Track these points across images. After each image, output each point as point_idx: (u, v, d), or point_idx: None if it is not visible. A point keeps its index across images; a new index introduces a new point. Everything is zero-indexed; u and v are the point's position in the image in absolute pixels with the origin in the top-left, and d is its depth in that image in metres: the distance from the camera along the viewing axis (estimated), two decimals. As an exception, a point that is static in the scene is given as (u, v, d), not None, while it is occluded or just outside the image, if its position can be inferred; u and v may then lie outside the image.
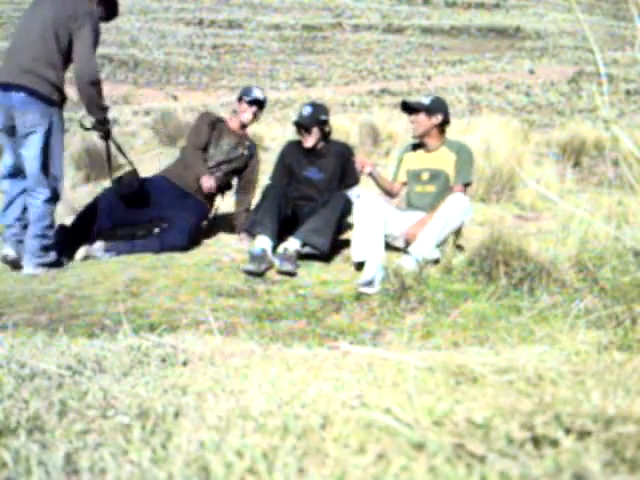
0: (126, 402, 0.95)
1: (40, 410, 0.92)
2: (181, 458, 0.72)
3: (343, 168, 3.80)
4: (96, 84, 3.27)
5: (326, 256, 3.43)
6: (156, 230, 3.75)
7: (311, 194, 3.76)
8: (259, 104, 4.02)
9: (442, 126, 3.52)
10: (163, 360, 1.26)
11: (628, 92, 22.51)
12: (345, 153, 3.87)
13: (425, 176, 3.50)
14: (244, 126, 4.05)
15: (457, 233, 3.34)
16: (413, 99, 3.73)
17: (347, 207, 3.50)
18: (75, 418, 0.89)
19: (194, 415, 0.86)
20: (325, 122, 3.81)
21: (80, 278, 3.18)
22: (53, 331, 2.07)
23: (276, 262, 3.23)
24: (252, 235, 3.41)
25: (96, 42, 3.29)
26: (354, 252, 3.23)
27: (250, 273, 3.14)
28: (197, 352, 1.31)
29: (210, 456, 0.71)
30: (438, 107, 3.49)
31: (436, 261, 3.14)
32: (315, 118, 3.75)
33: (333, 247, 3.48)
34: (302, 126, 3.77)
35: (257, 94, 4.00)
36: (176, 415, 0.87)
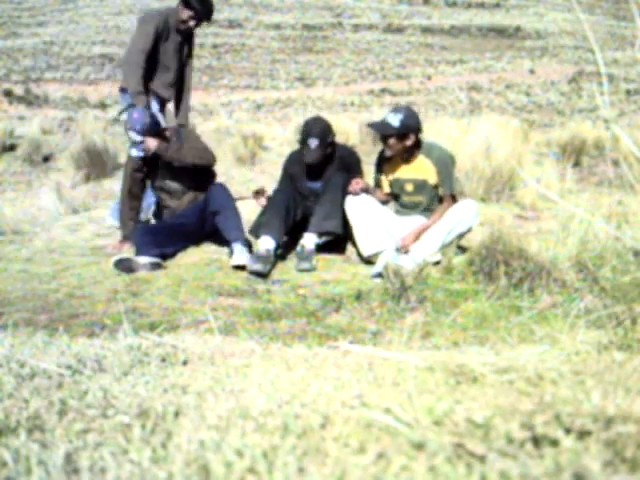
0: (126, 401, 0.95)
1: (40, 409, 0.92)
2: (181, 457, 0.72)
3: (346, 172, 3.66)
4: (125, 71, 4.05)
5: (344, 241, 3.54)
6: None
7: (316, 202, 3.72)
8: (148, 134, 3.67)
9: (416, 141, 3.30)
10: (163, 359, 1.26)
11: (628, 92, 22.53)
12: (347, 160, 3.74)
13: (410, 187, 3.40)
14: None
15: (461, 236, 3.32)
16: (380, 121, 3.32)
17: (346, 185, 3.48)
18: (75, 417, 0.89)
19: (194, 414, 0.86)
20: (331, 144, 3.63)
21: (80, 277, 3.18)
22: (53, 330, 2.07)
23: (295, 262, 3.29)
24: (257, 237, 3.40)
25: (144, 42, 3.98)
26: (363, 247, 3.25)
27: (256, 274, 3.14)
28: (197, 351, 1.31)
29: (210, 455, 0.71)
30: (409, 127, 3.20)
31: (436, 263, 3.14)
32: (322, 152, 3.58)
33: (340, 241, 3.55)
34: (313, 165, 3.62)
35: (136, 131, 3.62)
36: (176, 414, 0.87)
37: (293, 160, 3.87)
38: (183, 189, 3.83)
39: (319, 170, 3.72)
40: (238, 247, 3.35)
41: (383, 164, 3.51)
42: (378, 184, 3.56)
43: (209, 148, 3.86)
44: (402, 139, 3.23)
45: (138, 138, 3.63)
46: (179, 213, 3.77)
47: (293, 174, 3.82)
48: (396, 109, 3.32)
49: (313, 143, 3.55)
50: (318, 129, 3.60)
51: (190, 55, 4.41)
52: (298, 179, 3.80)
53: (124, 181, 3.89)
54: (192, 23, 4.09)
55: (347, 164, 3.72)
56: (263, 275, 3.14)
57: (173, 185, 3.84)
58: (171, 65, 4.19)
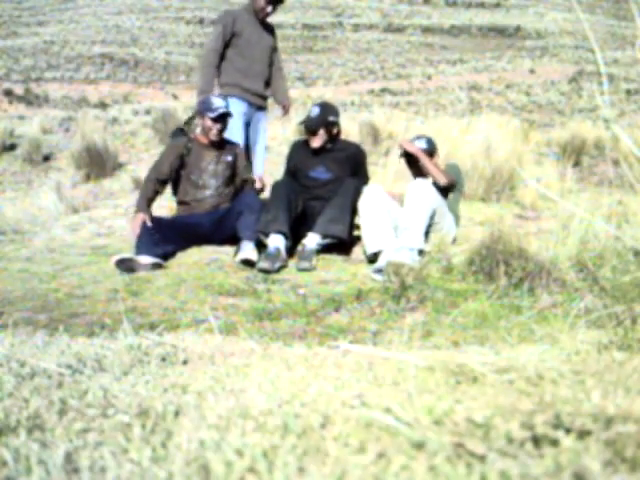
0: (126, 401, 0.95)
1: (40, 409, 0.92)
2: (181, 457, 0.72)
3: (353, 169, 3.76)
4: (200, 68, 4.32)
5: (347, 243, 3.52)
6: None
7: (320, 194, 3.73)
8: (225, 117, 3.75)
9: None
10: (163, 359, 1.26)
11: (628, 91, 22.53)
12: (356, 155, 3.83)
13: None
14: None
15: (444, 219, 3.41)
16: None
17: (358, 192, 3.50)
18: (75, 417, 0.89)
19: (194, 414, 0.86)
20: (333, 123, 3.74)
21: (80, 277, 3.18)
22: (53, 330, 2.07)
23: (295, 261, 3.30)
24: (266, 235, 3.39)
25: (216, 35, 4.22)
26: (367, 244, 3.28)
27: (265, 271, 3.15)
28: (197, 351, 1.31)
29: (210, 455, 0.71)
30: (432, 151, 3.66)
31: (429, 255, 3.16)
32: (322, 120, 3.69)
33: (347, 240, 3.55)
34: (308, 128, 3.71)
35: (220, 108, 3.69)
36: (176, 414, 0.87)
37: (296, 149, 3.92)
38: (213, 191, 3.78)
39: (323, 157, 3.78)
40: (248, 244, 3.34)
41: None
42: None
43: None
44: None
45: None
46: (195, 215, 3.73)
47: (297, 164, 3.84)
48: (419, 136, 3.81)
49: (314, 111, 3.70)
50: (321, 103, 3.85)
51: (275, 44, 4.53)
52: (301, 169, 3.82)
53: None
54: (269, 9, 4.25)
55: (353, 159, 3.79)
56: (271, 273, 3.15)
57: (210, 182, 3.79)
58: (254, 57, 4.28)
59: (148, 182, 3.74)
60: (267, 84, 4.43)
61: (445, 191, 3.56)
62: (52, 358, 1.22)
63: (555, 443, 0.68)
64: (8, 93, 30.44)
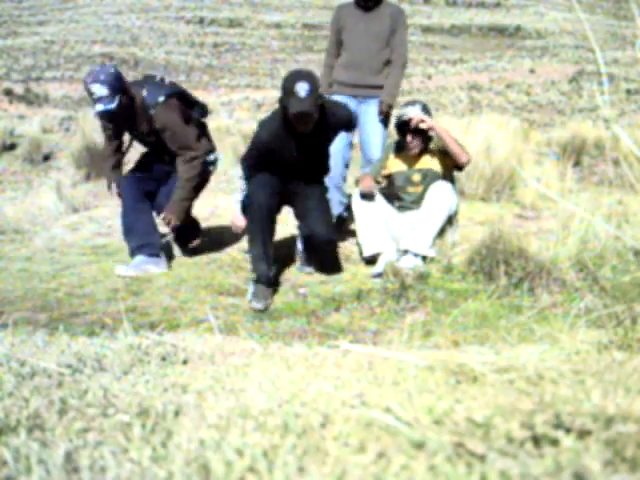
0: (126, 400, 0.95)
1: (40, 408, 0.92)
2: (181, 456, 0.72)
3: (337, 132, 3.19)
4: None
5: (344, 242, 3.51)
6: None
7: (299, 175, 3.14)
8: (104, 115, 3.15)
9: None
10: (163, 359, 1.26)
11: (628, 91, 22.53)
12: (339, 115, 3.10)
13: (416, 177, 3.45)
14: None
15: (452, 224, 3.33)
16: (400, 115, 3.42)
17: (326, 187, 3.29)
18: (75, 416, 0.89)
19: (194, 414, 0.86)
20: (320, 96, 2.90)
21: (80, 277, 3.18)
22: (53, 329, 2.07)
23: (297, 266, 3.29)
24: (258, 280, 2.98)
25: (329, 36, 4.21)
26: (365, 247, 3.25)
27: (258, 311, 2.77)
28: (197, 351, 1.31)
29: (210, 455, 0.71)
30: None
31: (431, 259, 3.14)
32: (314, 99, 2.79)
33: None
34: (305, 114, 2.79)
35: (97, 104, 3.06)
36: (176, 414, 0.87)
37: (271, 132, 2.97)
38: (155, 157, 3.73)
39: (305, 138, 2.96)
40: (136, 258, 3.25)
41: (391, 154, 3.57)
42: (376, 171, 3.57)
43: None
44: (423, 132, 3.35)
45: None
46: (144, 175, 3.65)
47: (274, 148, 2.98)
48: (413, 102, 3.50)
49: (303, 89, 2.73)
50: (306, 74, 2.82)
51: (395, 27, 4.05)
52: (281, 152, 2.99)
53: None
54: None
55: (340, 120, 3.09)
56: (262, 312, 2.74)
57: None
58: (356, 48, 4.06)
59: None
60: (379, 72, 4.09)
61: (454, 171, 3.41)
62: (52, 358, 1.22)
63: (555, 443, 0.68)
64: (8, 93, 30.43)
